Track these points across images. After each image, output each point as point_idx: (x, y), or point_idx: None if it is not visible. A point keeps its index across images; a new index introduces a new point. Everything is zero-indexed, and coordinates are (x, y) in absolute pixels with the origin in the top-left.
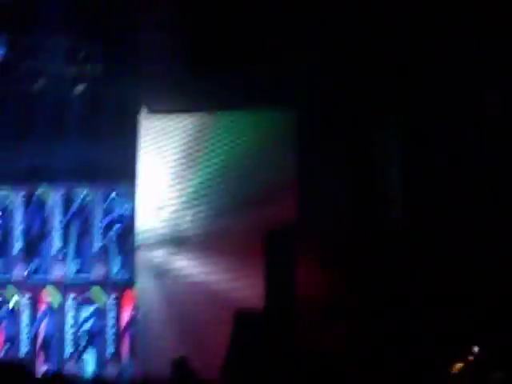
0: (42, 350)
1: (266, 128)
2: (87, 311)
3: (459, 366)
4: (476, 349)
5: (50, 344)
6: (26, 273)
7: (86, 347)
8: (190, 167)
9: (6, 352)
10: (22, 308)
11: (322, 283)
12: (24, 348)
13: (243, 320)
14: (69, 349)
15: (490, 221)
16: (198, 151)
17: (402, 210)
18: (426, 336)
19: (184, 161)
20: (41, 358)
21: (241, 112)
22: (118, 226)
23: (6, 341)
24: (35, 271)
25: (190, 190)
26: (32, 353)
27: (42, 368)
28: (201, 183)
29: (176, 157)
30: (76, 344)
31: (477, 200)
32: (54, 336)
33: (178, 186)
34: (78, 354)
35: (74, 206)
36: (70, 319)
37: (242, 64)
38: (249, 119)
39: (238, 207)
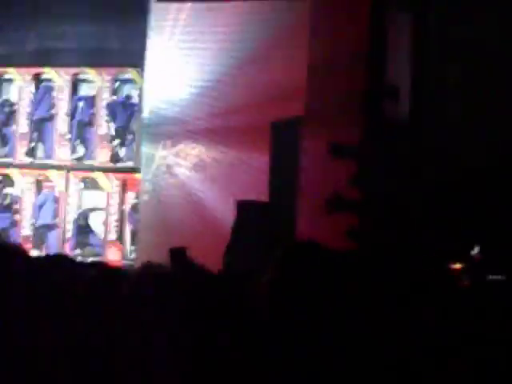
0: (40, 233)
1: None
2: (90, 196)
3: (459, 266)
4: (476, 250)
5: (51, 228)
6: (30, 156)
7: (89, 231)
8: (200, 55)
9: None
10: (25, 191)
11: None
12: (26, 231)
13: (245, 206)
14: (70, 233)
15: None
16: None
17: None
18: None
19: (194, 48)
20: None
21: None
22: (124, 111)
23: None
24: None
25: (200, 79)
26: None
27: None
28: (212, 72)
29: (187, 44)
30: (79, 228)
31: None
32: (55, 220)
33: (189, 74)
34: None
35: (81, 90)
36: (73, 203)
37: None
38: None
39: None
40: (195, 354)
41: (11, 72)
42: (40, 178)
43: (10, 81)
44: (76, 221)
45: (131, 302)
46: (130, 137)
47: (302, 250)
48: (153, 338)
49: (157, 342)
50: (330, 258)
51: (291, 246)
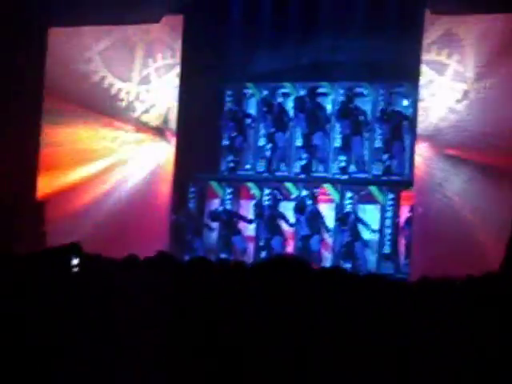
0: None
1: None
2: (364, 210)
3: None
4: None
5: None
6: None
7: (361, 243)
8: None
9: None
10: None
11: None
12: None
13: None
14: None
15: None
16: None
17: None
18: None
19: (471, 67)
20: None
21: None
22: (398, 124)
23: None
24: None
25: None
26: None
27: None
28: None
29: (460, 58)
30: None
31: None
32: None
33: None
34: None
35: (354, 103)
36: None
37: None
38: None
39: None
40: None
41: (286, 86)
42: (314, 191)
43: (287, 95)
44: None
45: None
46: (399, 149)
47: None
48: None
49: None
50: None
51: None
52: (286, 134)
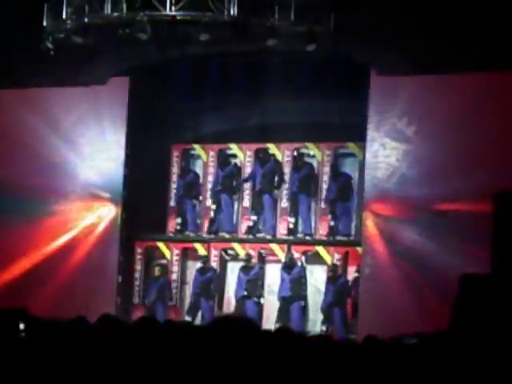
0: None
1: None
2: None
3: None
4: None
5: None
6: (249, 230)
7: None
8: (424, 130)
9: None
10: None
11: None
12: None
13: (469, 279)
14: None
15: None
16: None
17: None
18: None
19: (416, 124)
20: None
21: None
22: (344, 185)
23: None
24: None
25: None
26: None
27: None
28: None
29: (405, 120)
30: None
31: None
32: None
33: (408, 153)
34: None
35: (303, 165)
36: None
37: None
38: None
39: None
40: None
41: (233, 147)
42: (262, 251)
43: (234, 156)
44: None
45: None
46: (343, 210)
47: None
48: None
49: None
50: None
51: None
52: (234, 195)
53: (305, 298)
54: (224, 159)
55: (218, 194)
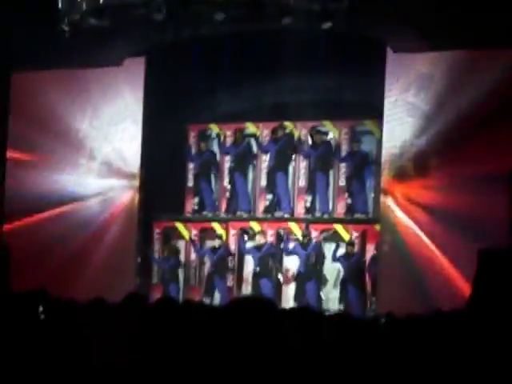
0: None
1: None
2: (330, 248)
3: None
4: None
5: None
6: (265, 209)
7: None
8: (438, 109)
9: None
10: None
11: None
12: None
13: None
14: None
15: None
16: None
17: None
18: None
19: (432, 102)
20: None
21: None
22: (362, 163)
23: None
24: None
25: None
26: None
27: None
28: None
29: (421, 96)
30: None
31: None
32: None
33: (426, 129)
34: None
35: (320, 143)
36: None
37: None
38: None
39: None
40: None
41: (249, 126)
42: (280, 231)
43: (251, 135)
44: None
45: None
46: (360, 188)
47: None
48: None
49: None
50: None
51: None
52: (249, 174)
53: (321, 275)
54: (236, 138)
55: (232, 173)
